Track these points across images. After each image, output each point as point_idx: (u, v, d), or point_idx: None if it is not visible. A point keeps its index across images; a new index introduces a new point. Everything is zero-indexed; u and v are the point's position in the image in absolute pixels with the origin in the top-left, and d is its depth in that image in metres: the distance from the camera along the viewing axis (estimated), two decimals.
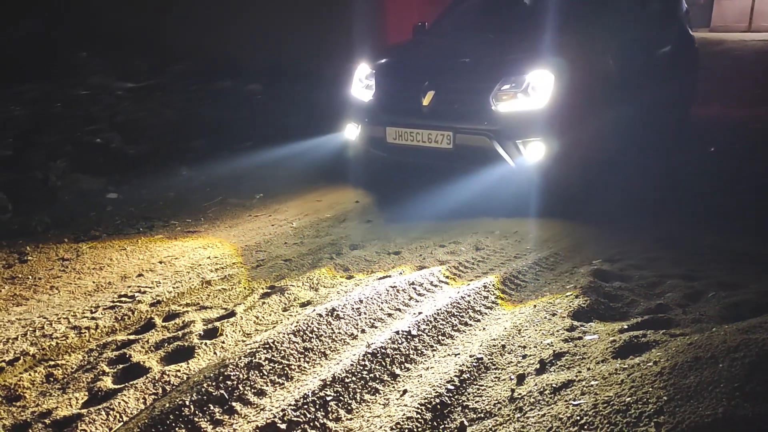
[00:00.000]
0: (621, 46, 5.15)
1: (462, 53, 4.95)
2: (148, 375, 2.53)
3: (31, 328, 3.01)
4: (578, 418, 1.90)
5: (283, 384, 2.37)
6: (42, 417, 2.32)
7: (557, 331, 2.59)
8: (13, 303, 3.33)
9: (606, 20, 5.24)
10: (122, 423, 2.23)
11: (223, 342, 2.76)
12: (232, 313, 3.05)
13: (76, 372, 2.61)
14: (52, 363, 2.68)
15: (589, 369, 2.22)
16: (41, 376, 2.58)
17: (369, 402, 2.23)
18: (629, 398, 1.92)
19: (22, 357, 2.75)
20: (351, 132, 5.09)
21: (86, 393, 2.46)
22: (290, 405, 2.17)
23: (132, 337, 2.88)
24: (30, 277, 3.64)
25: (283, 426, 2.08)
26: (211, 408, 2.23)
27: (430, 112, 4.56)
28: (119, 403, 2.34)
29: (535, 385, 2.18)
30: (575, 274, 3.28)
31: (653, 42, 5.99)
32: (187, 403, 2.24)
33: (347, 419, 2.15)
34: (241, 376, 2.38)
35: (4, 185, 5.19)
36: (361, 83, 5.08)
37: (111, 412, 2.29)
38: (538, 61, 4.36)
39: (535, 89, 4.29)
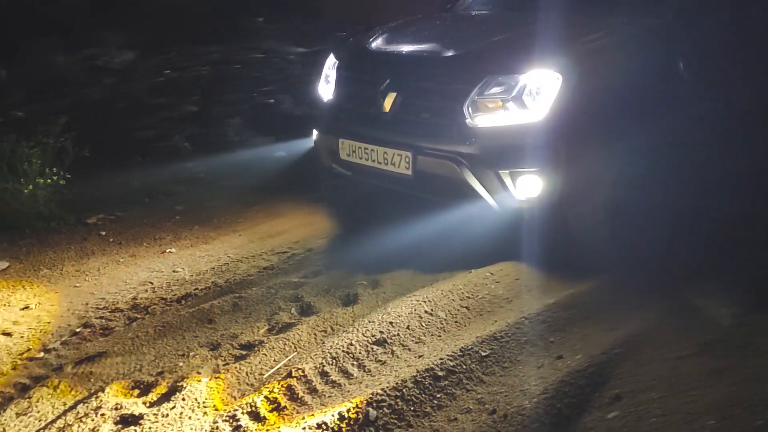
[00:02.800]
0: (693, 27, 3.39)
1: (449, 38, 3.63)
2: (318, 314, 2.81)
3: (218, 264, 3.43)
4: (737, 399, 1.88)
5: (440, 336, 2.54)
6: (230, 339, 2.67)
7: None
8: (201, 242, 3.78)
9: None
10: (296, 353, 2.52)
11: (384, 293, 2.98)
12: None
13: (257, 305, 2.94)
14: (237, 295, 3.03)
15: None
16: (229, 305, 2.94)
17: (523, 363, 2.33)
18: None
19: (212, 287, 3.16)
20: (314, 139, 3.93)
21: (266, 323, 2.78)
22: (448, 355, 2.33)
23: (303, 279, 3.18)
24: (215, 219, 4.10)
25: (441, 373, 2.24)
26: (374, 349, 2.45)
27: (389, 122, 3.28)
28: (294, 335, 2.64)
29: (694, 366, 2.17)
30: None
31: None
32: (354, 342, 2.48)
33: (501, 375, 2.27)
34: (402, 324, 2.58)
35: (190, 137, 5.81)
36: (326, 78, 3.82)
37: (287, 342, 2.59)
38: (538, 56, 2.98)
39: (532, 96, 2.91)
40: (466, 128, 3.00)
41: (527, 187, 2.97)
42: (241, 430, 2.08)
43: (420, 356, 2.39)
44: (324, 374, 2.33)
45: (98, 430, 2.11)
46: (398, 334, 2.52)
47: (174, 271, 3.38)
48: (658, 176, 3.10)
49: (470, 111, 3.00)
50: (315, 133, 3.86)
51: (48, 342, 2.74)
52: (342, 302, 2.92)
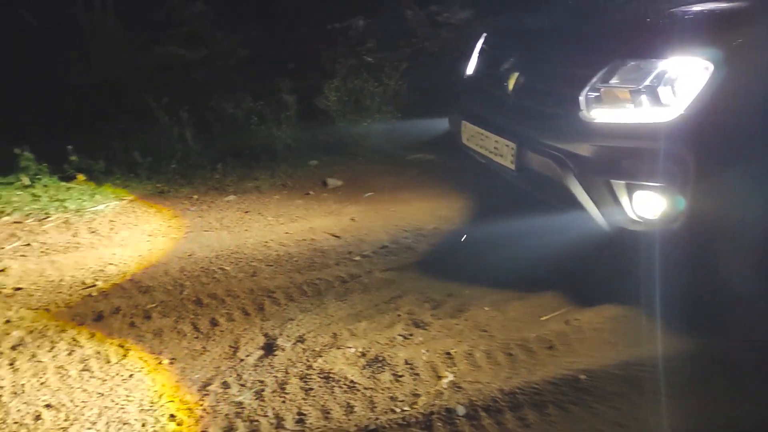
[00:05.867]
0: None
1: (590, 13, 3.04)
2: None
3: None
4: None
5: None
6: (516, 280, 2.85)
7: None
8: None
9: None
10: (573, 306, 2.59)
11: None
12: None
13: (545, 255, 3.06)
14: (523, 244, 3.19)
15: None
16: (516, 252, 3.11)
17: None
18: None
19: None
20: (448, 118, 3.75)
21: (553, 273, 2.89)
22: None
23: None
24: None
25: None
26: None
27: (506, 106, 2.91)
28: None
29: None
30: None
31: None
32: None
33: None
34: None
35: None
36: (472, 56, 3.53)
37: (566, 295, 2.68)
38: (685, 39, 2.32)
39: (670, 89, 2.28)
40: (579, 122, 2.47)
41: (647, 206, 2.37)
42: (512, 358, 2.26)
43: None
44: (599, 330, 2.38)
45: (394, 325, 2.49)
46: None
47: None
48: None
49: (587, 102, 2.46)
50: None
51: (364, 249, 3.24)
52: None
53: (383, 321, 2.53)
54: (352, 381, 2.15)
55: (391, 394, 2.08)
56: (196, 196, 4.12)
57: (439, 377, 2.16)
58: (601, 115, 2.45)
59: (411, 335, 2.42)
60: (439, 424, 1.92)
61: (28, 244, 3.36)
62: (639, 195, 2.39)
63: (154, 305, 2.70)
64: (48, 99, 5.47)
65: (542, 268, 2.88)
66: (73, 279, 2.96)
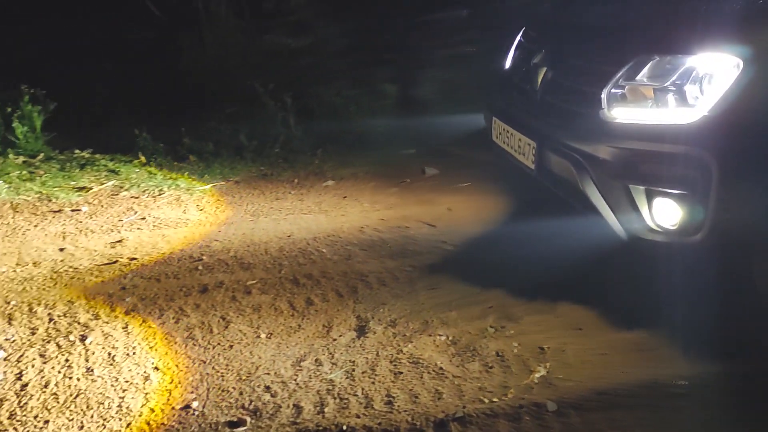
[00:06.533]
0: None
1: (620, 6, 2.87)
2: None
3: None
4: None
5: None
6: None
7: None
8: None
9: None
10: None
11: None
12: None
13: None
14: None
15: None
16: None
17: None
18: None
19: None
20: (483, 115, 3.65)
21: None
22: None
23: None
24: None
25: None
26: None
27: (532, 102, 2.82)
28: None
29: None
30: None
31: None
32: None
33: None
34: None
35: None
36: (511, 51, 3.41)
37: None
38: (714, 33, 2.16)
39: (698, 87, 2.13)
40: (599, 122, 2.33)
41: (667, 213, 2.23)
42: (606, 357, 2.19)
43: None
44: (705, 337, 2.27)
45: (485, 316, 2.48)
46: None
47: None
48: None
49: (609, 100, 2.32)
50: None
51: (457, 239, 3.24)
52: None
53: (474, 311, 2.53)
54: (441, 368, 2.17)
55: (479, 384, 2.08)
56: (296, 180, 4.27)
57: (530, 371, 2.14)
58: (622, 114, 2.32)
59: (503, 327, 2.40)
60: (528, 418, 1.90)
61: (144, 218, 3.61)
62: (659, 202, 2.26)
63: (254, 281, 2.83)
64: (165, 83, 5.81)
65: (639, 265, 2.77)
66: (182, 253, 3.16)
